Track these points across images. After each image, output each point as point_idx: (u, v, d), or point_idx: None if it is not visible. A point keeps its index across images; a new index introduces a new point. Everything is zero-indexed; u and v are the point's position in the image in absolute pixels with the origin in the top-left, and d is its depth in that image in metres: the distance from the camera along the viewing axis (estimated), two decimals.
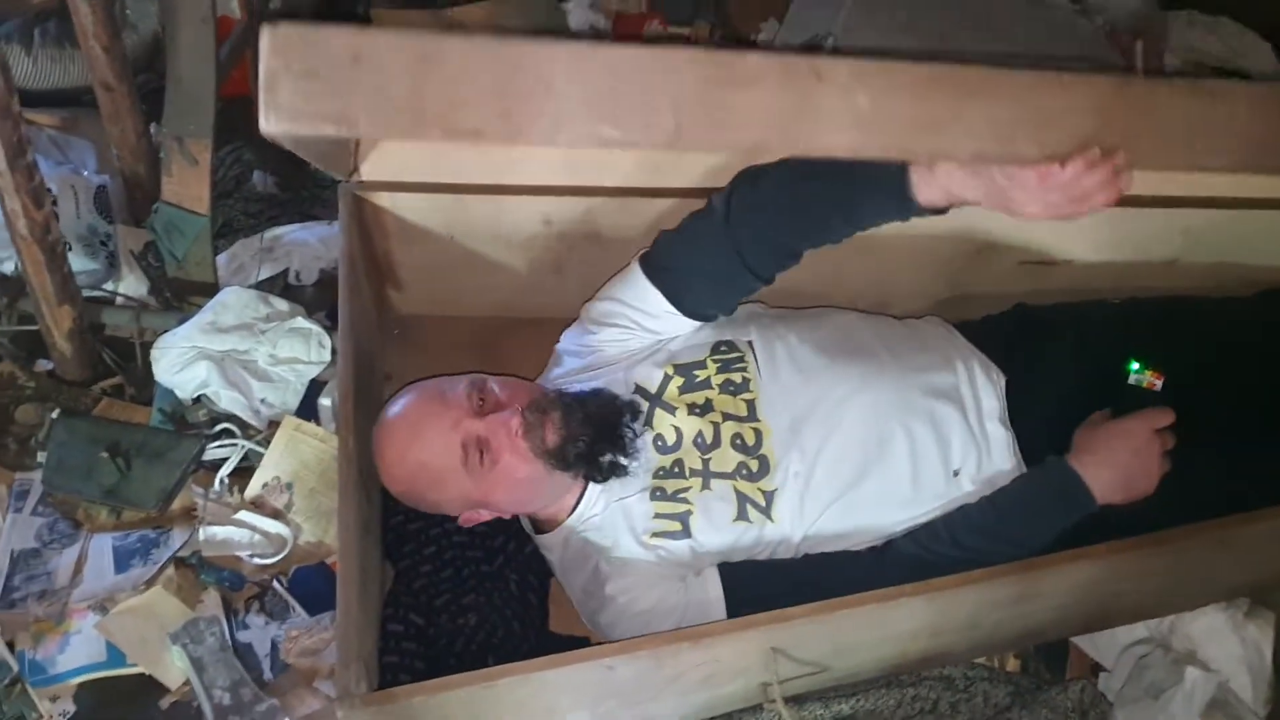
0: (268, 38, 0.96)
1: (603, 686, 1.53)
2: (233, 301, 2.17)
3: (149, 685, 1.73)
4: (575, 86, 1.04)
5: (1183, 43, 2.90)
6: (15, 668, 1.77)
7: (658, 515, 1.60)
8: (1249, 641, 1.92)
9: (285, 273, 2.39)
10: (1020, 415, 1.77)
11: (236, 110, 2.36)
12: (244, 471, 2.06)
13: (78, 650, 1.80)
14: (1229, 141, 1.30)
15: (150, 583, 1.87)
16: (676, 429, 1.70)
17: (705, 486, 1.68)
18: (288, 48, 0.97)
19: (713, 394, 1.72)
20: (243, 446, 2.07)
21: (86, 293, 2.25)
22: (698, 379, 1.73)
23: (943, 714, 1.84)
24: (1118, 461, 1.58)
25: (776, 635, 1.53)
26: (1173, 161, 1.34)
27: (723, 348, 1.75)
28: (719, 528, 1.62)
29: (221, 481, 2.04)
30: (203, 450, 2.05)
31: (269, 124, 0.98)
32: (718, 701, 1.72)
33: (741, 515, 1.61)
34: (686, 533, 1.61)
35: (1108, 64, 2.34)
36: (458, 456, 1.54)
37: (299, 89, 0.97)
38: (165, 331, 2.16)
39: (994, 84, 1.20)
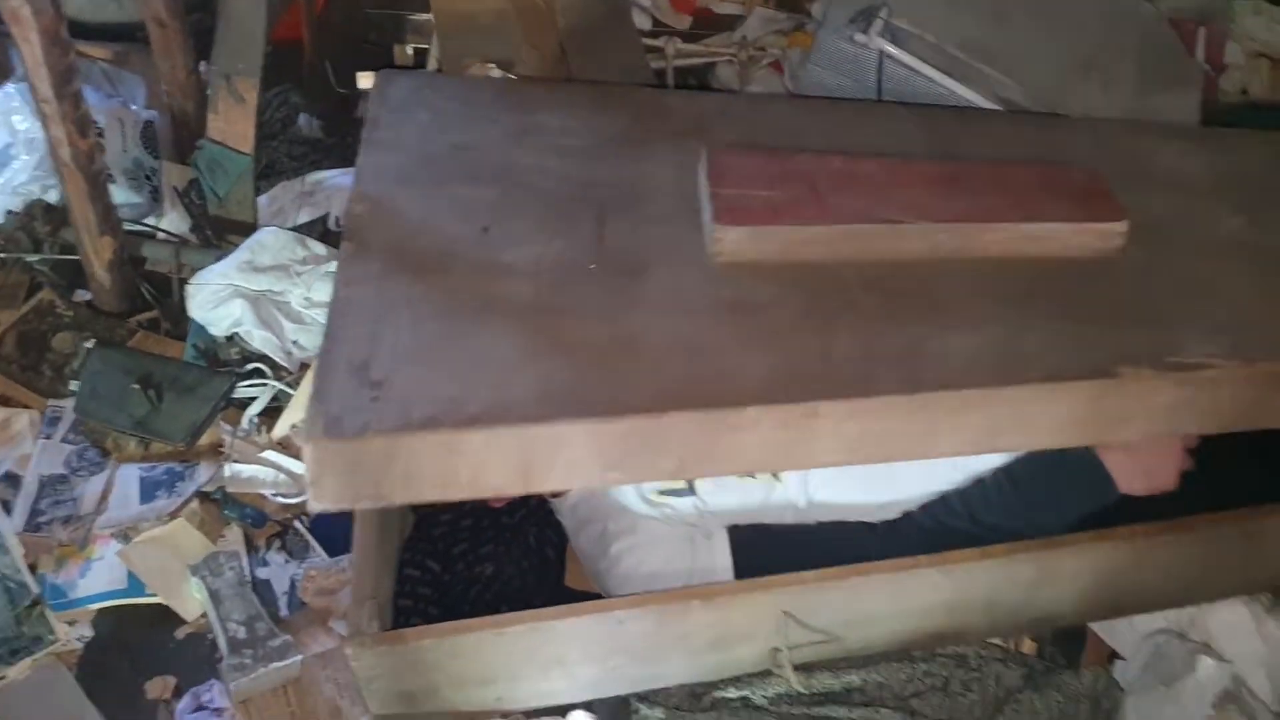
0: (310, 451, 1.18)
1: (612, 641, 1.52)
2: (270, 242, 2.16)
3: (167, 615, 1.74)
4: (588, 449, 1.24)
5: (1245, 31, 2.81)
6: (36, 589, 1.79)
7: None
8: (1270, 638, 1.84)
9: (325, 217, 2.39)
10: None
11: (286, 55, 2.35)
12: (273, 411, 2.06)
13: (98, 576, 1.81)
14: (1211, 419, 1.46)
15: (174, 515, 1.88)
16: None
17: None
18: (329, 458, 1.18)
19: None
20: (273, 387, 2.08)
21: (128, 226, 2.27)
22: None
23: (953, 692, 1.79)
24: (1139, 450, 1.52)
25: (789, 599, 1.51)
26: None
27: None
28: (724, 486, 1.62)
29: (251, 420, 2.04)
30: (233, 388, 2.06)
31: (315, 505, 1.20)
32: (727, 664, 1.68)
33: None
34: (691, 490, 1.58)
35: (1169, 52, 2.26)
36: None
37: (342, 481, 1.20)
38: (203, 269, 2.13)
39: (980, 400, 1.33)
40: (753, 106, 1.91)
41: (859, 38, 2.04)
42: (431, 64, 2.44)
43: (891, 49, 2.02)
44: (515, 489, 1.30)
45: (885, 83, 2.04)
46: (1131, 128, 1.97)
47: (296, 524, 1.92)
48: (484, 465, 1.24)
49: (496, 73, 2.04)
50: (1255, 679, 1.82)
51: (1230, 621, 1.86)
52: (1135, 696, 1.78)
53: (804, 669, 1.71)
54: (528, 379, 1.28)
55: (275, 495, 1.94)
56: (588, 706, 1.69)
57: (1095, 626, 1.96)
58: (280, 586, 1.86)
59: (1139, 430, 1.48)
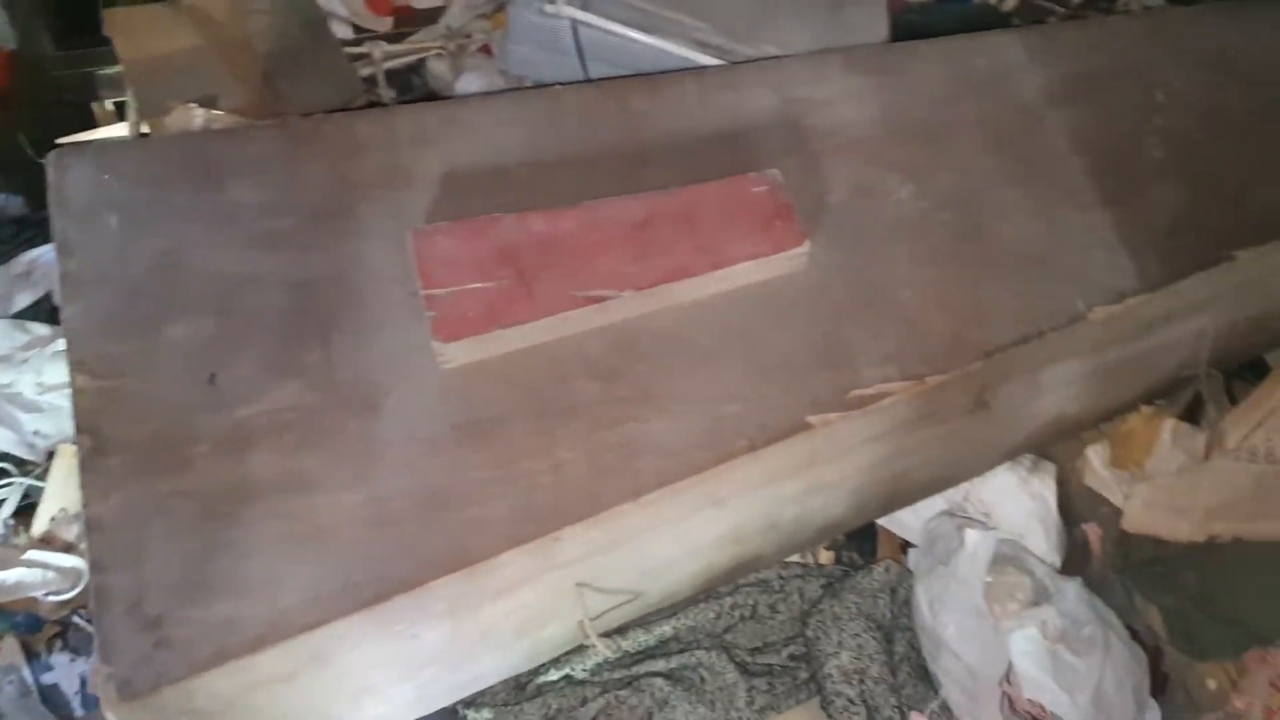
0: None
1: (413, 656, 1.60)
2: None
3: None
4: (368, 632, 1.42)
5: None
6: None
7: None
8: (1035, 495, 2.15)
9: (48, 296, 2.27)
10: None
11: None
12: (28, 509, 2.04)
13: None
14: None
15: None
16: None
17: None
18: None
19: None
20: (21, 484, 2.05)
21: None
22: None
23: (762, 617, 2.05)
24: None
25: (579, 570, 1.67)
26: None
27: None
28: None
29: (5, 523, 2.02)
30: None
31: None
32: (542, 647, 1.89)
33: None
34: None
35: None
36: None
37: None
38: None
39: (696, 482, 1.59)
40: (445, 121, 1.91)
41: (548, 8, 2.03)
42: (131, 116, 2.29)
43: (580, 14, 2.02)
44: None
45: (586, 48, 2.06)
46: (812, 66, 2.05)
47: (76, 619, 1.94)
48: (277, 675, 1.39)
49: (200, 114, 1.96)
50: (1031, 535, 2.15)
51: (1000, 488, 2.17)
52: (922, 580, 2.05)
53: (619, 632, 1.96)
54: (296, 582, 1.41)
55: (47, 595, 1.95)
56: None
57: (883, 522, 2.25)
58: (71, 687, 1.88)
59: (839, 469, 1.71)
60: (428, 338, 1.57)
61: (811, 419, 1.60)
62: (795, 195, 1.77)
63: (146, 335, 1.59)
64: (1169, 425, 2.21)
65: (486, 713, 1.88)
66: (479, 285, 1.62)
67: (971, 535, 1.99)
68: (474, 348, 1.59)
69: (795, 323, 1.70)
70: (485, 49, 2.75)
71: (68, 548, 2.00)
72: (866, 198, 1.86)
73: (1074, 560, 2.21)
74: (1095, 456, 2.29)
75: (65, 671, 1.89)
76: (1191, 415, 2.29)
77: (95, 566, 1.40)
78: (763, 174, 1.76)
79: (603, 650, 1.73)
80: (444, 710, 1.88)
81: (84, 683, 1.88)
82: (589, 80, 2.08)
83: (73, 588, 1.96)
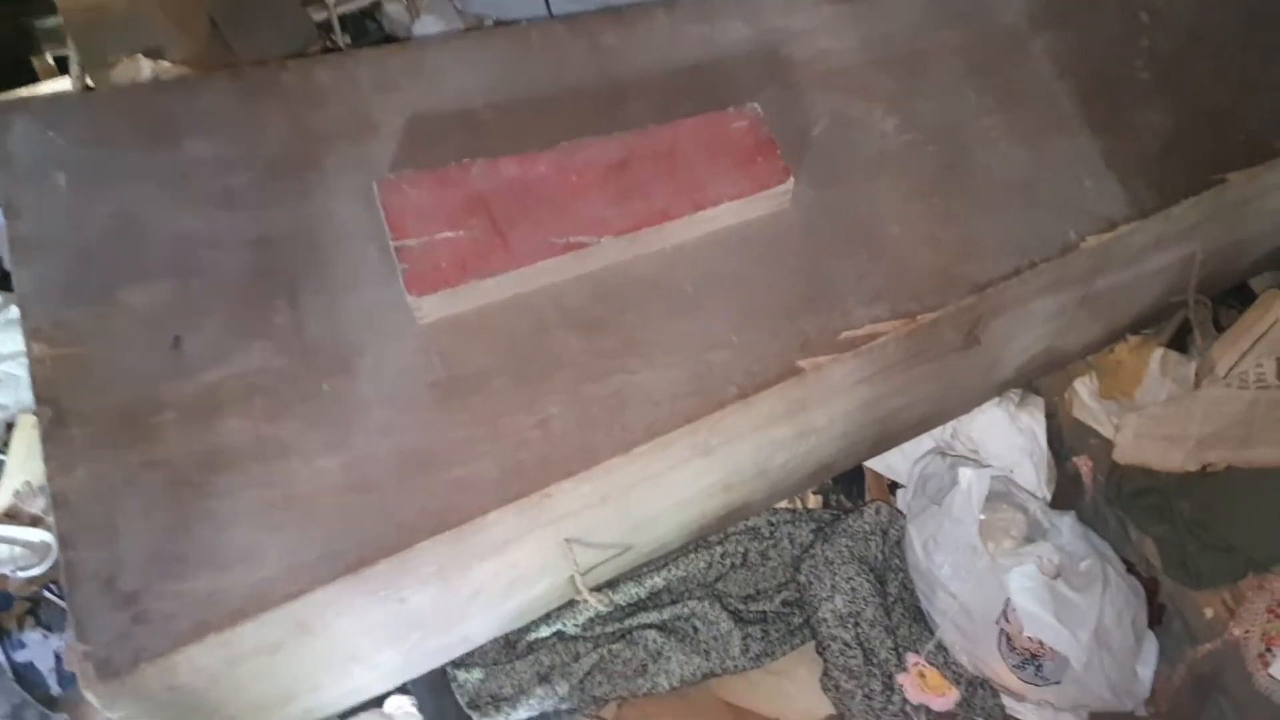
0: (94, 698, 1.27)
1: (400, 620, 1.61)
2: None
3: None
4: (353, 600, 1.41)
5: None
6: None
7: None
8: (1024, 429, 2.15)
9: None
10: None
11: None
12: None
13: None
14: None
15: None
16: None
17: None
18: (115, 697, 1.29)
19: None
20: None
21: None
22: None
23: (753, 564, 2.05)
24: None
25: (568, 527, 1.65)
26: None
27: None
28: None
29: None
30: None
31: None
32: (532, 604, 1.88)
33: None
34: None
35: None
36: None
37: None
38: None
39: (689, 431, 1.55)
40: (408, 65, 1.84)
41: None
42: (74, 70, 2.20)
43: None
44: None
45: None
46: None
47: (47, 594, 1.91)
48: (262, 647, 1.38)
49: (147, 67, 1.88)
50: (1022, 470, 2.15)
51: (988, 424, 2.16)
52: (914, 521, 2.05)
53: (610, 585, 1.94)
54: (276, 551, 1.38)
55: (15, 571, 1.92)
56: (403, 689, 1.89)
57: (871, 464, 2.23)
58: (45, 664, 1.86)
59: (828, 412, 1.69)
60: (401, 293, 1.52)
61: (802, 363, 1.57)
62: (776, 130, 1.72)
63: (104, 300, 1.54)
64: (1157, 354, 2.20)
65: (478, 673, 1.86)
66: (451, 235, 1.57)
67: (965, 473, 1.98)
68: (449, 301, 1.54)
69: (781, 263, 1.67)
70: None
71: (34, 521, 1.96)
72: (849, 130, 1.82)
73: (1065, 494, 2.21)
74: (1083, 388, 2.28)
75: (39, 649, 1.87)
76: (1179, 343, 2.28)
77: (64, 542, 1.36)
78: (743, 109, 1.72)
79: (594, 605, 1.71)
80: (435, 671, 1.86)
81: (59, 659, 1.86)
82: (555, 17, 2.01)
83: (42, 562, 1.93)
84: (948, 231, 1.75)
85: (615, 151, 1.66)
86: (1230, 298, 2.42)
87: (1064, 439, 2.28)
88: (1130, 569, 2.05)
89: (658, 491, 1.71)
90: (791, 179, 1.67)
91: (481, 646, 1.90)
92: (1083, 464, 2.25)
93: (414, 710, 1.88)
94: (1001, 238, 1.76)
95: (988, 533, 1.94)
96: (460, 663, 1.89)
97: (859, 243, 1.71)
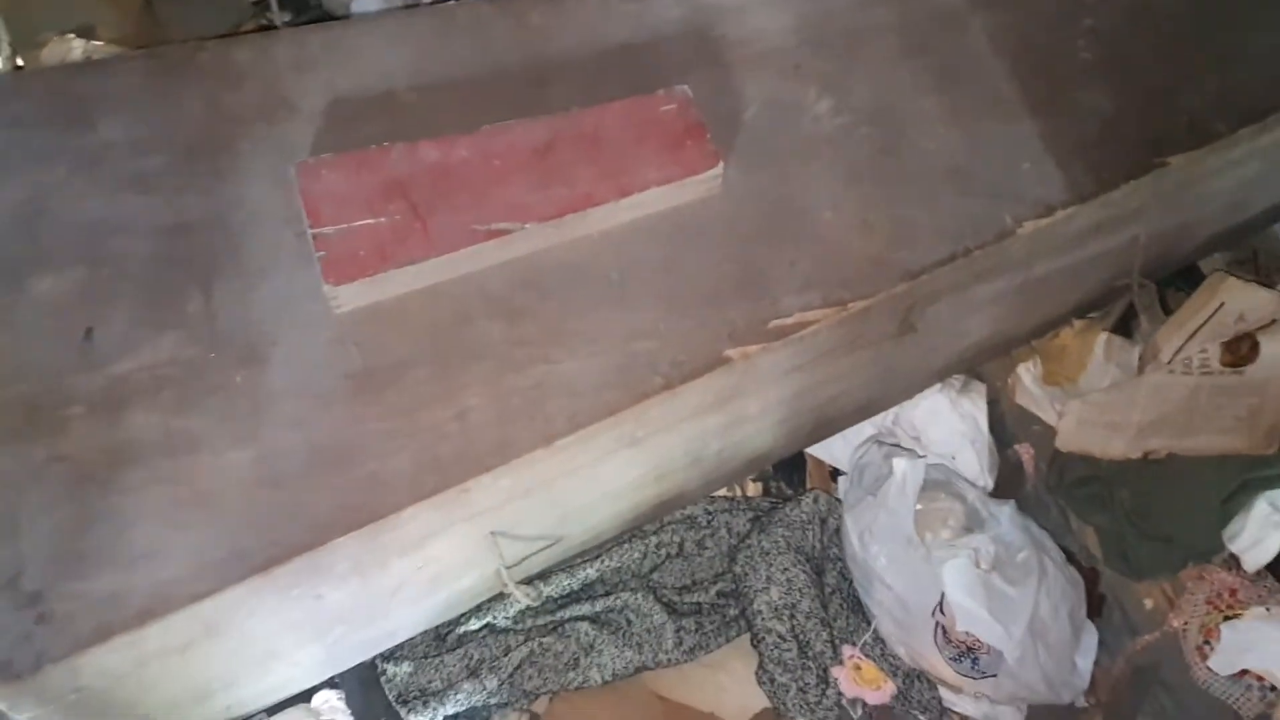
0: None
1: (319, 616, 1.59)
2: None
3: None
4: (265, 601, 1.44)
5: None
6: None
7: None
8: (966, 416, 2.14)
9: None
10: None
11: None
12: None
13: None
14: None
15: None
16: None
17: None
18: (17, 699, 1.28)
19: None
20: None
21: None
22: None
23: (690, 554, 2.04)
24: None
25: (493, 520, 1.63)
26: None
27: None
28: None
29: None
30: None
31: None
32: (460, 598, 1.86)
33: None
34: None
35: None
36: None
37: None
38: None
39: (612, 424, 1.54)
40: (328, 45, 1.81)
41: None
42: (4, 51, 2.16)
43: None
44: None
45: None
46: None
47: None
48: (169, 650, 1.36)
49: (79, 45, 1.85)
50: (963, 458, 2.13)
51: (930, 410, 2.15)
52: (851, 511, 2.03)
53: (540, 577, 1.93)
54: (182, 550, 1.36)
55: None
56: (331, 683, 1.88)
57: (812, 451, 2.21)
58: None
59: (761, 400, 1.67)
60: (317, 281, 1.51)
61: (730, 352, 1.56)
62: (707, 112, 1.71)
63: (11, 290, 1.52)
64: (1102, 339, 2.20)
65: (406, 666, 1.85)
66: (370, 221, 1.55)
67: (900, 463, 1.97)
68: (367, 290, 1.53)
69: (710, 250, 1.65)
70: None
71: None
72: (782, 113, 1.81)
73: (1007, 481, 2.21)
74: (1027, 374, 2.28)
75: None
76: (1124, 327, 2.28)
77: None
78: (672, 91, 1.70)
79: (520, 598, 1.69)
80: (364, 665, 1.84)
81: None
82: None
83: None
84: (882, 217, 1.74)
85: (540, 135, 1.64)
86: (1179, 279, 2.41)
87: (1007, 425, 2.28)
88: (1070, 559, 2.05)
89: (586, 483, 1.70)
90: (721, 164, 1.66)
91: (411, 639, 1.88)
92: (1025, 451, 2.25)
93: (342, 705, 1.86)
94: (937, 223, 1.75)
95: (925, 522, 1.94)
96: (389, 656, 1.87)
97: (791, 229, 1.70)
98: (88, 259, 1.55)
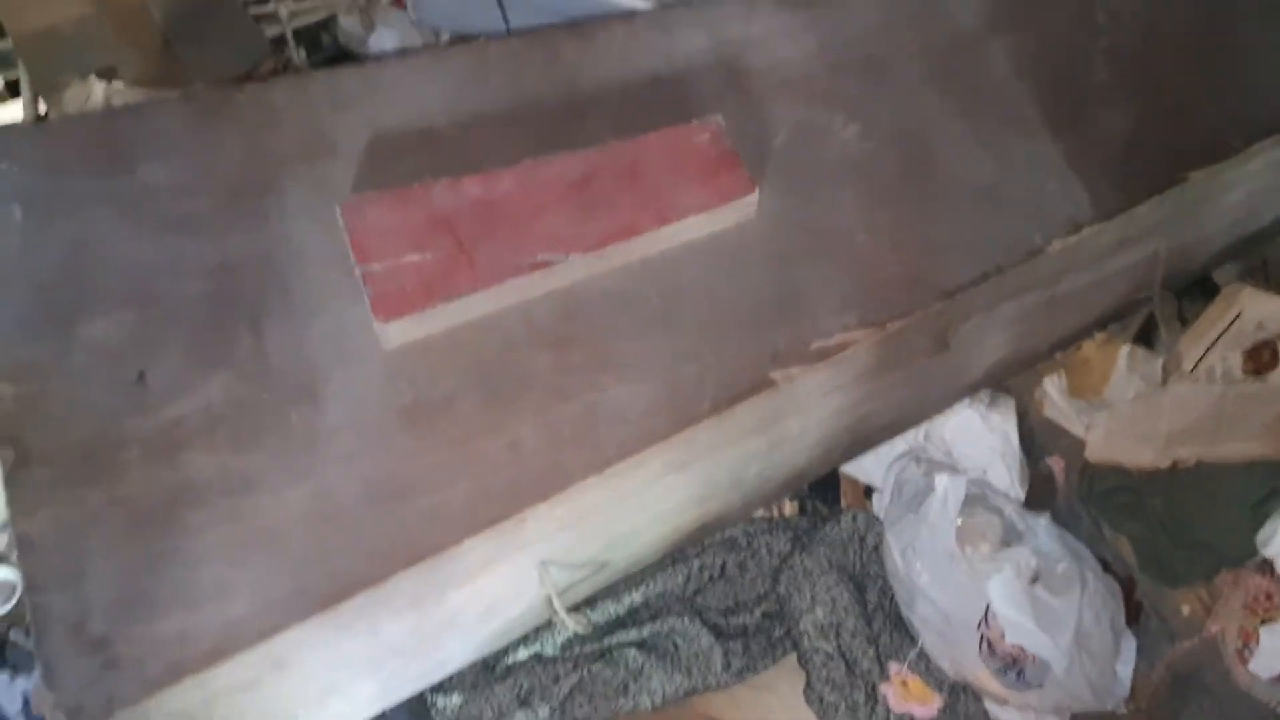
0: None
1: (376, 650, 1.60)
2: None
3: None
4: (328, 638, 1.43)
5: None
6: None
7: None
8: (996, 430, 2.15)
9: None
10: None
11: None
12: None
13: None
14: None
15: None
16: None
17: None
18: None
19: None
20: None
21: None
22: None
23: (732, 576, 2.04)
24: None
25: (543, 550, 1.64)
26: None
27: None
28: None
29: None
30: None
31: None
32: (510, 626, 1.86)
33: None
34: None
35: None
36: None
37: None
38: None
39: (663, 449, 1.54)
40: (365, 84, 1.83)
41: None
42: (26, 94, 2.17)
43: None
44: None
45: None
46: (743, 3, 2.00)
47: (13, 635, 1.87)
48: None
49: (100, 88, 1.86)
50: (995, 471, 2.15)
51: (960, 425, 2.16)
52: (892, 528, 2.04)
53: (587, 604, 1.93)
54: (247, 588, 1.35)
55: None
56: (381, 717, 1.87)
57: (845, 469, 2.23)
58: (12, 706, 1.82)
59: (801, 421, 1.68)
60: (365, 318, 1.51)
61: (774, 374, 1.57)
62: (738, 140, 1.72)
63: (63, 335, 1.52)
64: (1124, 351, 2.21)
65: (456, 697, 1.85)
66: (417, 257, 1.56)
67: (941, 479, 1.98)
68: (415, 324, 1.53)
69: (749, 274, 1.66)
70: (397, 2, 2.66)
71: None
72: (811, 138, 1.83)
73: (1039, 493, 2.22)
74: (1053, 387, 2.29)
75: (5, 691, 1.83)
76: (1145, 339, 2.30)
77: (31, 587, 1.34)
78: (705, 121, 1.71)
79: (572, 627, 1.69)
80: (414, 698, 1.84)
81: (27, 702, 1.82)
82: (514, 33, 2.00)
83: (6, 601, 1.90)
84: (914, 238, 1.75)
85: (579, 167, 1.65)
86: (1194, 291, 2.44)
87: (1036, 438, 2.29)
88: (1106, 568, 2.06)
89: (633, 509, 1.70)
90: (756, 190, 1.67)
91: (460, 671, 1.88)
92: (1055, 463, 2.26)
93: None
94: (968, 243, 1.76)
95: (965, 537, 1.94)
96: (439, 688, 1.87)
97: (826, 251, 1.71)
98: (137, 302, 1.55)
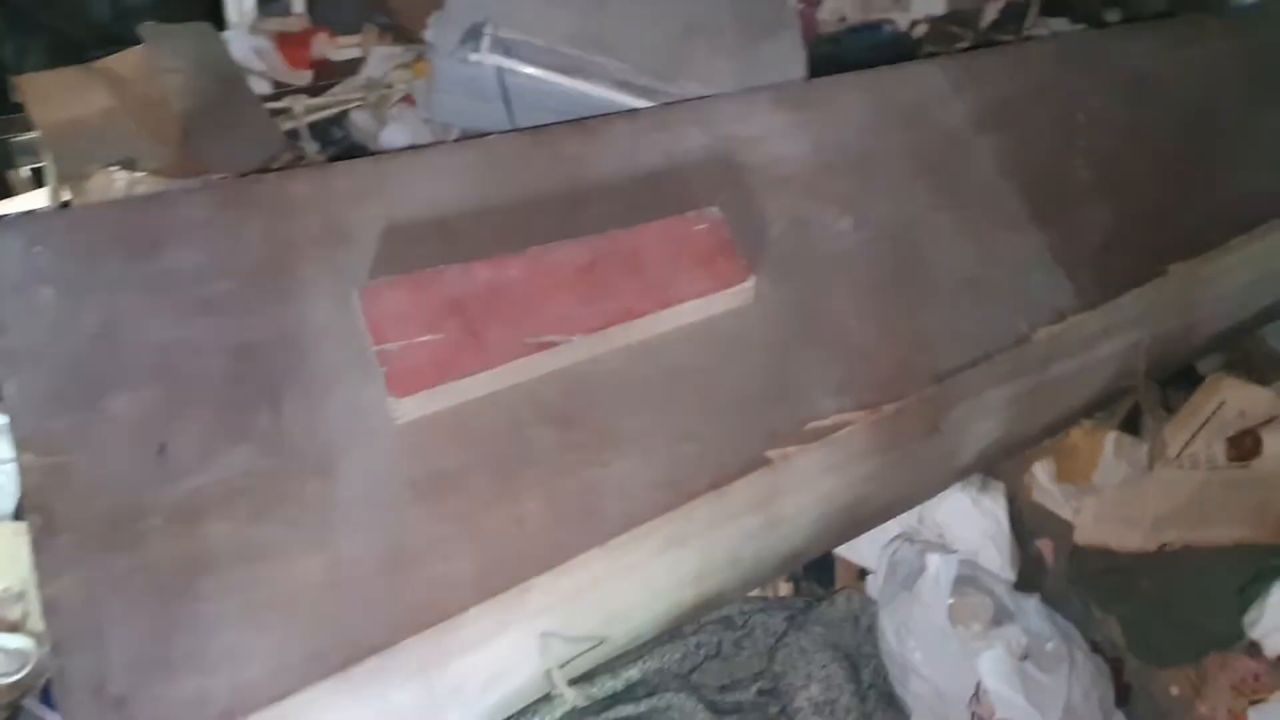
0: None
1: (383, 716, 1.60)
2: None
3: None
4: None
5: None
6: None
7: None
8: (987, 513, 2.20)
9: None
10: None
11: None
12: None
13: None
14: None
15: None
16: None
17: None
18: None
19: None
20: None
21: None
22: None
23: (727, 654, 2.06)
24: None
25: (546, 620, 1.68)
26: None
27: None
28: None
29: None
30: None
31: None
32: (511, 698, 1.86)
33: None
34: None
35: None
36: None
37: None
38: None
39: (662, 524, 1.63)
40: (379, 176, 1.92)
41: (472, 57, 2.06)
42: (50, 183, 2.28)
43: (504, 61, 2.06)
44: None
45: (512, 94, 2.09)
46: (740, 104, 2.10)
47: (27, 703, 1.87)
48: None
49: (122, 177, 1.95)
50: (986, 553, 2.19)
51: (953, 509, 2.21)
52: (885, 607, 2.08)
53: (585, 678, 1.95)
54: (260, 652, 1.40)
55: None
56: None
57: (840, 551, 2.27)
58: None
59: (797, 501, 1.74)
60: (378, 395, 1.58)
61: (770, 453, 1.63)
62: (735, 231, 1.80)
63: (90, 408, 1.58)
64: (1111, 438, 2.28)
65: None
66: (429, 338, 1.63)
67: (933, 559, 2.03)
68: (427, 401, 1.60)
69: (746, 357, 1.74)
70: (407, 99, 2.78)
71: (13, 628, 1.94)
72: (805, 230, 1.91)
73: (1029, 575, 2.26)
74: (1041, 472, 2.35)
75: None
76: (1131, 425, 2.36)
77: (55, 649, 1.39)
78: (702, 211, 1.80)
79: (572, 699, 1.73)
80: None
81: None
82: (521, 129, 2.11)
83: (20, 669, 1.90)
84: (905, 325, 1.83)
85: (583, 254, 1.74)
86: (1179, 380, 2.51)
87: (1025, 521, 2.34)
88: (1095, 648, 2.09)
89: (632, 584, 1.75)
90: (752, 277, 1.75)
91: None
92: (1044, 546, 2.31)
93: None
94: (957, 331, 1.84)
95: (957, 616, 1.99)
96: None
97: (821, 336, 1.79)
98: (159, 378, 1.62)
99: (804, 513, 1.91)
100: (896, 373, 1.76)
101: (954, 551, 2.10)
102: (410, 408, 1.59)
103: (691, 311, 1.73)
